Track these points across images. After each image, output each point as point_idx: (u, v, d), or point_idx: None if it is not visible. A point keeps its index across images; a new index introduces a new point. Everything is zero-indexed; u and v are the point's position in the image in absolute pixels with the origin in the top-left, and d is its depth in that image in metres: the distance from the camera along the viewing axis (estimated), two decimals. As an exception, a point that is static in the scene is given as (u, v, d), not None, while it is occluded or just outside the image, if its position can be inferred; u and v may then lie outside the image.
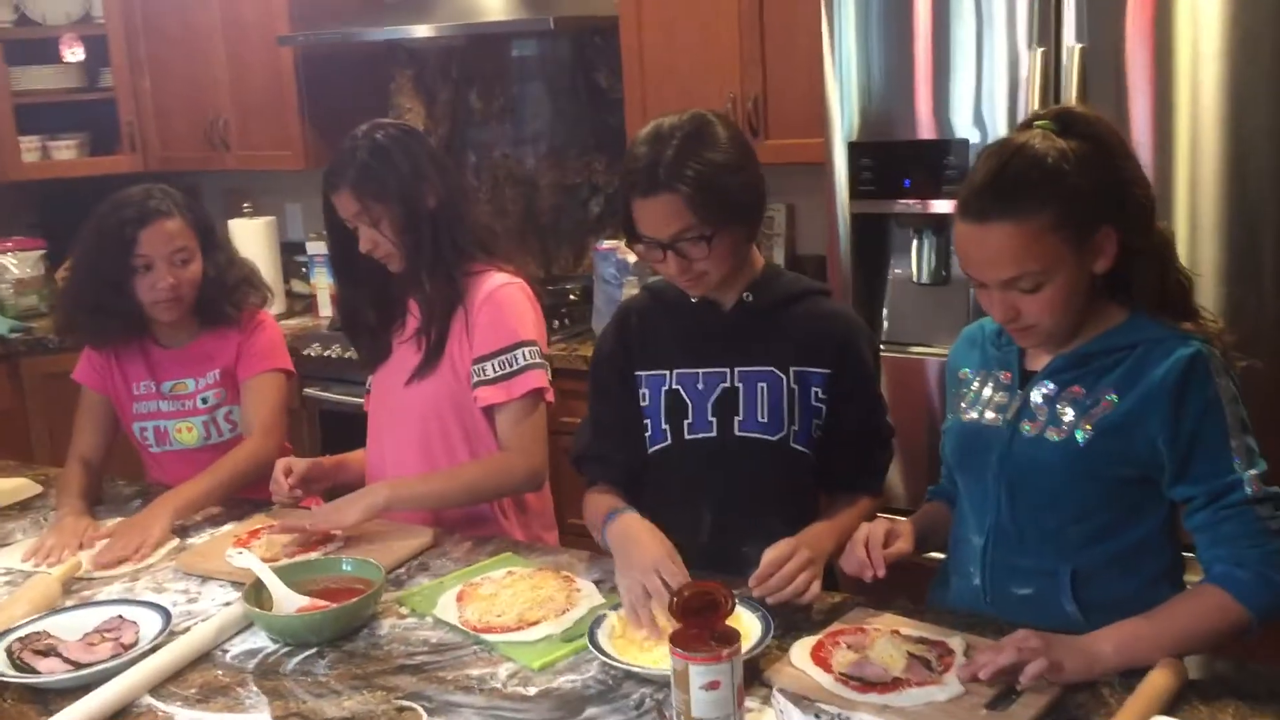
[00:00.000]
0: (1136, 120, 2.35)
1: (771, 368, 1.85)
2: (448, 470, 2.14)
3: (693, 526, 1.85)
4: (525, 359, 2.09)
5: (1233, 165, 2.30)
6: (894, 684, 1.46)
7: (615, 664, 1.54)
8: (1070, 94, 2.39)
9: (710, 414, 1.86)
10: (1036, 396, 1.63)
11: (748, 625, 1.59)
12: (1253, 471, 1.51)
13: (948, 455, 1.78)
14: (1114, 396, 1.57)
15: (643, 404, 1.91)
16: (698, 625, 1.40)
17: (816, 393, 1.85)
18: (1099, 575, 1.61)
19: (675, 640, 1.38)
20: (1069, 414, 1.59)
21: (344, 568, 1.84)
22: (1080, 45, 2.38)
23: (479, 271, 2.16)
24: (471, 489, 2.11)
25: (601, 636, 1.61)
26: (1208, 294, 2.32)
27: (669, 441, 1.89)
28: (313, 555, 1.94)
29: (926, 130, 2.61)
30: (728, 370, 1.86)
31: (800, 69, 3.04)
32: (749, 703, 1.44)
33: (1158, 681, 1.40)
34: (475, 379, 2.11)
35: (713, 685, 1.35)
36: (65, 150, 4.35)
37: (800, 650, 1.56)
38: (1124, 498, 1.59)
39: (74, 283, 2.33)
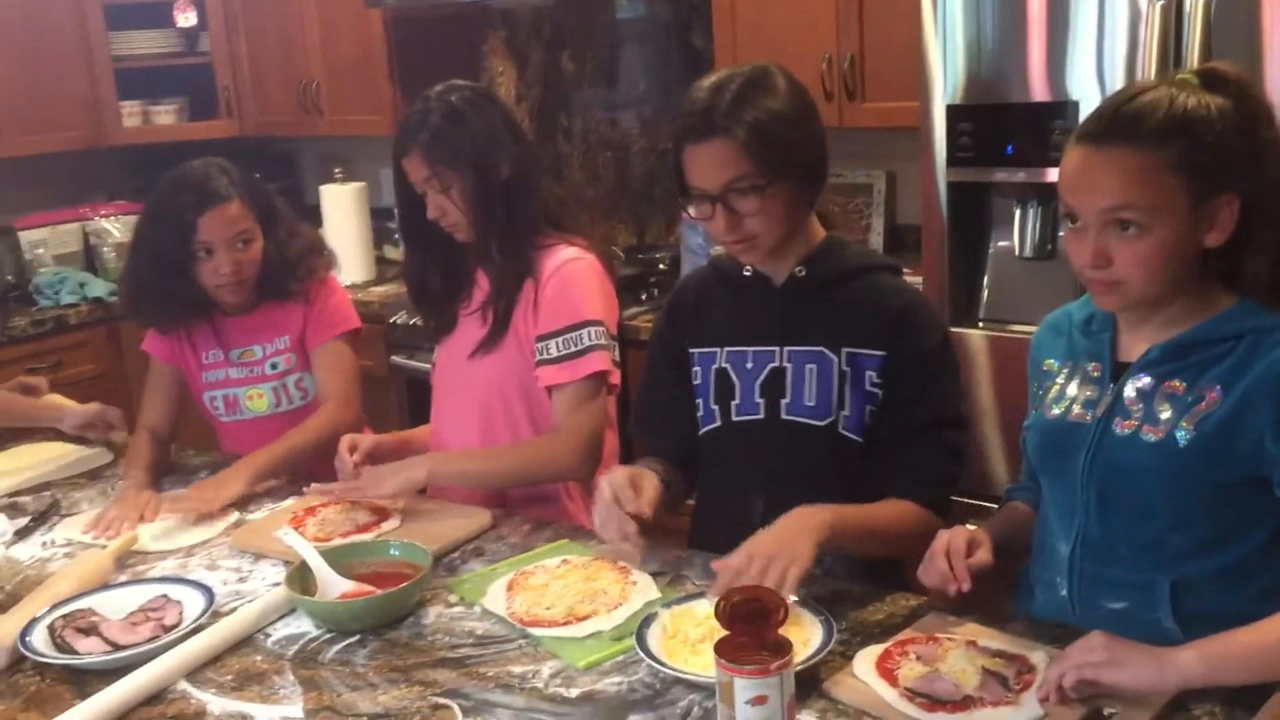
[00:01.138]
0: (1269, 82, 2.13)
1: (822, 348, 1.72)
2: (494, 449, 2.07)
3: (745, 510, 1.75)
4: (590, 339, 2.00)
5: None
6: (964, 703, 1.33)
7: (663, 669, 1.44)
8: (1193, 52, 2.18)
9: (758, 395, 1.76)
10: (1131, 391, 1.47)
11: (808, 630, 1.47)
12: None
13: (1031, 454, 1.63)
14: (1218, 391, 1.41)
15: (695, 382, 1.82)
16: (746, 633, 1.29)
17: (871, 376, 1.71)
18: (1201, 589, 1.45)
19: (721, 649, 1.27)
20: (1167, 411, 1.44)
21: (392, 552, 1.77)
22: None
23: (549, 245, 2.07)
24: (516, 472, 2.04)
25: (651, 637, 1.51)
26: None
27: (718, 423, 1.80)
28: (365, 537, 1.88)
29: (1034, 92, 2.42)
30: (777, 349, 1.75)
31: (900, 28, 2.86)
32: (802, 716, 1.33)
33: (1272, 713, 1.25)
34: (538, 357, 2.03)
35: (759, 700, 1.25)
36: (165, 115, 4.39)
37: (864, 660, 1.44)
38: (1229, 504, 1.43)
39: (135, 267, 2.29)
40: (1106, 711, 1.31)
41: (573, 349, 2.00)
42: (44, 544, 1.99)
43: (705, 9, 3.44)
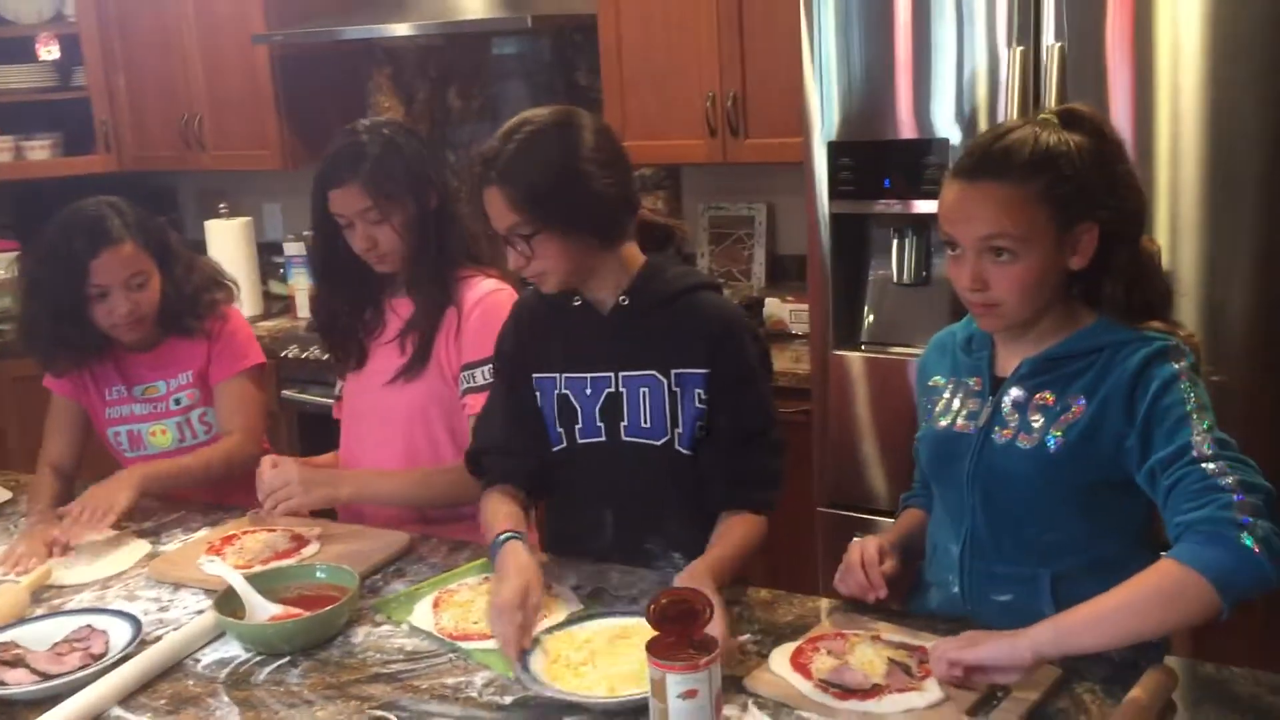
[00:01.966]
0: (1117, 120, 2.34)
1: (652, 371, 1.81)
2: (418, 473, 2.12)
3: (596, 525, 1.86)
4: None
5: (1213, 166, 2.29)
6: (874, 690, 1.45)
7: (545, 693, 1.48)
8: (1050, 93, 2.38)
9: (599, 419, 1.85)
10: (1007, 403, 1.62)
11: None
12: (1204, 436, 1.45)
13: (922, 463, 1.77)
14: (1083, 401, 1.56)
15: (540, 405, 1.90)
16: (675, 633, 1.38)
17: (699, 394, 1.81)
18: (1078, 581, 1.58)
19: (652, 649, 1.36)
20: (1039, 420, 1.58)
21: (318, 575, 1.81)
22: (1060, 44, 2.37)
23: (467, 276, 2.14)
24: (441, 498, 2.10)
25: (534, 663, 1.55)
26: (1187, 295, 2.32)
27: (565, 444, 1.88)
28: (287, 562, 1.92)
29: (907, 130, 2.59)
30: (611, 375, 1.84)
31: (780, 67, 3.02)
32: (727, 710, 1.42)
33: (1146, 688, 1.39)
34: (465, 385, 2.08)
35: (690, 694, 1.34)
36: (39, 150, 4.30)
37: (780, 656, 1.54)
38: (1098, 503, 1.58)
39: (29, 310, 2.26)
40: (999, 693, 1.43)
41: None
42: (-50, 581, 1.97)
43: (590, 48, 3.56)
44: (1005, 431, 1.61)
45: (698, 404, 1.81)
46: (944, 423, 1.69)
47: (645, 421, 1.82)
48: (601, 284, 1.84)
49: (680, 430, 1.81)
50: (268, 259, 4.26)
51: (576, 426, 1.86)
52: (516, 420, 1.91)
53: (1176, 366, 1.52)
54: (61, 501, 2.23)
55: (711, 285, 1.89)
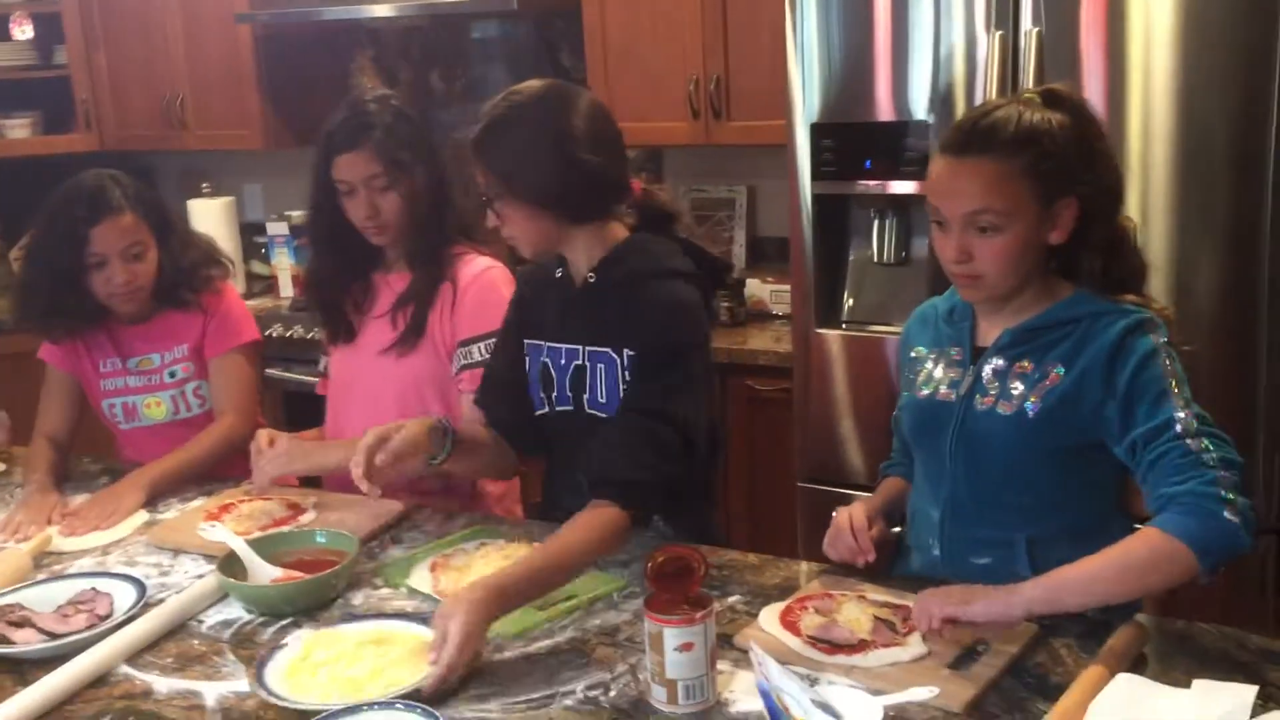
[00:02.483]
0: (1091, 103, 2.39)
1: (608, 348, 1.84)
2: None
3: (576, 489, 1.85)
4: None
5: (1184, 150, 2.36)
6: (860, 646, 1.51)
7: (283, 703, 1.43)
8: (1027, 78, 2.44)
9: (568, 389, 1.89)
10: (988, 371, 1.68)
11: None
12: (1182, 413, 1.52)
13: (905, 431, 1.82)
14: (1060, 369, 1.62)
15: (527, 369, 1.96)
16: (671, 590, 1.43)
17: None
18: (1054, 545, 1.65)
19: (651, 604, 1.41)
20: (1019, 387, 1.64)
21: (318, 539, 1.86)
22: (1037, 29, 2.43)
23: (461, 253, 2.18)
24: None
25: (279, 656, 1.52)
26: (1157, 277, 2.37)
27: (546, 409, 1.94)
28: (285, 529, 1.96)
29: (886, 113, 2.65)
30: (580, 348, 1.88)
31: (763, 51, 3.07)
32: (720, 664, 1.48)
33: (1121, 639, 1.46)
34: (462, 361, 2.12)
35: (686, 647, 1.39)
36: (18, 129, 4.29)
37: (769, 614, 1.60)
38: (1074, 468, 1.64)
39: (27, 278, 2.30)
40: (980, 648, 1.50)
41: None
42: (-48, 549, 2.00)
43: (574, 30, 3.59)
44: (986, 399, 1.67)
45: None
46: (926, 391, 1.75)
47: (602, 397, 1.86)
48: (577, 258, 1.88)
49: None
50: (250, 239, 4.28)
51: (553, 394, 1.92)
52: (506, 381, 1.98)
53: (1155, 340, 1.58)
54: (58, 471, 2.26)
55: (677, 273, 1.85)
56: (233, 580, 1.72)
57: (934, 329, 1.80)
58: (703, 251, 1.96)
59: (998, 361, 1.67)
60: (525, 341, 1.97)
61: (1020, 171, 1.58)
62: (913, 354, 1.82)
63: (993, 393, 1.67)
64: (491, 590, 1.54)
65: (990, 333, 1.71)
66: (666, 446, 1.76)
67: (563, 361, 1.90)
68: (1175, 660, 1.46)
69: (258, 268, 4.28)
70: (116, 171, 2.31)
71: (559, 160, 1.76)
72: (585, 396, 1.88)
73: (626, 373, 1.82)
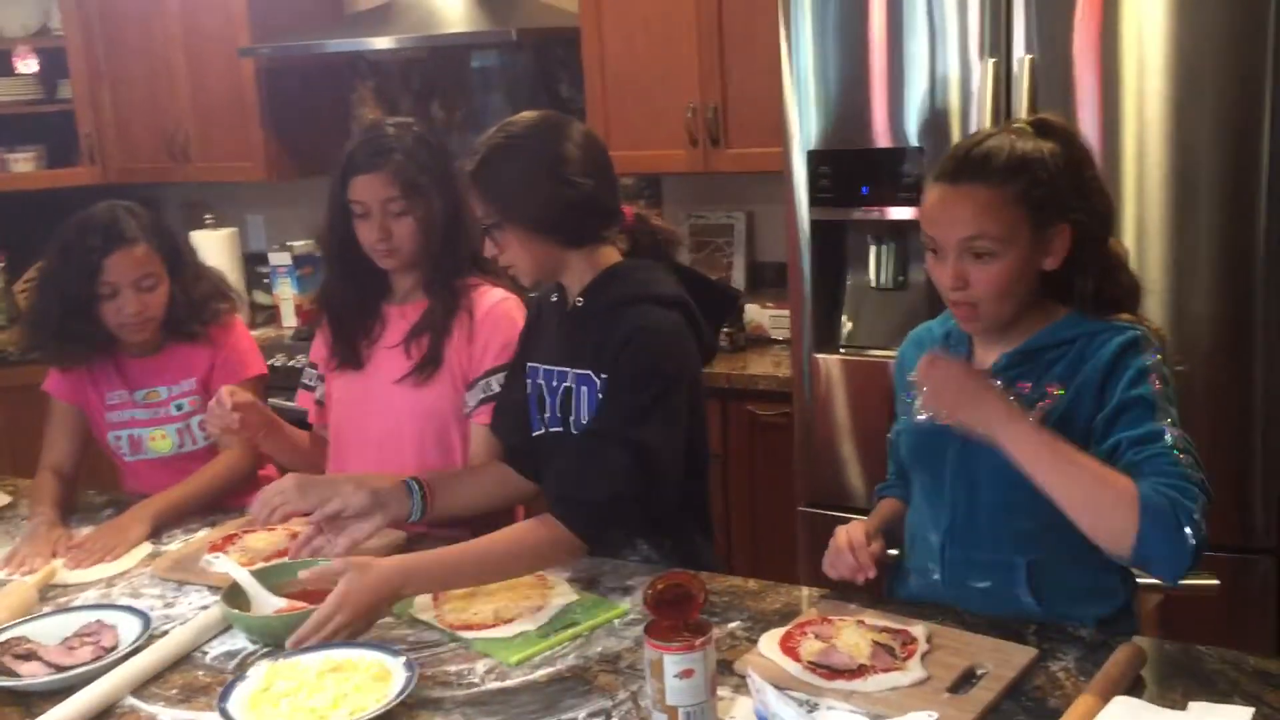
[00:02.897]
0: (1085, 128, 2.43)
1: (588, 371, 1.89)
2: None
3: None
4: None
5: (1177, 176, 2.39)
6: (859, 671, 1.52)
7: None
8: (1021, 104, 2.47)
9: (558, 410, 1.94)
10: None
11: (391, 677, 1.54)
12: (1176, 430, 1.55)
13: (903, 456, 1.84)
14: (1060, 390, 1.64)
15: (528, 391, 2.01)
16: (671, 616, 1.44)
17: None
18: (1053, 566, 1.67)
19: (650, 631, 1.43)
20: None
21: (298, 574, 1.86)
22: (1030, 57, 2.46)
23: (475, 284, 2.19)
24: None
25: (240, 687, 1.53)
26: (1152, 299, 2.40)
27: (541, 430, 1.99)
28: (288, 560, 1.96)
29: (882, 139, 2.68)
30: (568, 370, 1.93)
31: (760, 79, 3.10)
32: (720, 691, 1.49)
33: (1117, 663, 1.47)
34: (481, 395, 2.13)
35: (686, 673, 1.40)
36: (23, 162, 4.33)
37: (769, 640, 1.61)
38: None
39: (39, 305, 2.34)
40: (979, 672, 1.51)
41: None
42: (-43, 582, 2.01)
43: (572, 60, 3.63)
44: None
45: None
46: (924, 416, 1.76)
47: (584, 419, 1.89)
48: (570, 282, 1.93)
49: None
50: (252, 270, 4.31)
51: (545, 415, 1.97)
52: (514, 406, 2.04)
53: (1149, 360, 1.60)
54: (63, 504, 2.27)
55: (659, 298, 1.86)
56: (237, 611, 1.73)
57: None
58: (707, 280, 1.98)
59: (996, 384, 1.69)
60: (527, 364, 2.01)
61: (1014, 198, 1.60)
62: (910, 378, 1.83)
63: None
64: (395, 569, 1.66)
65: (986, 357, 1.73)
66: (620, 471, 1.76)
67: (554, 383, 1.95)
68: (1173, 683, 1.47)
69: (260, 298, 4.31)
70: (131, 203, 2.35)
71: (554, 185, 1.83)
72: (571, 418, 1.92)
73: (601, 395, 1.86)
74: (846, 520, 2.75)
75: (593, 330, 1.88)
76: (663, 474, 1.81)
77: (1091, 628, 1.62)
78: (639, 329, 1.83)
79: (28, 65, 4.30)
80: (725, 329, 3.38)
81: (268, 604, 1.78)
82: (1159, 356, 1.62)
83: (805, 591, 1.82)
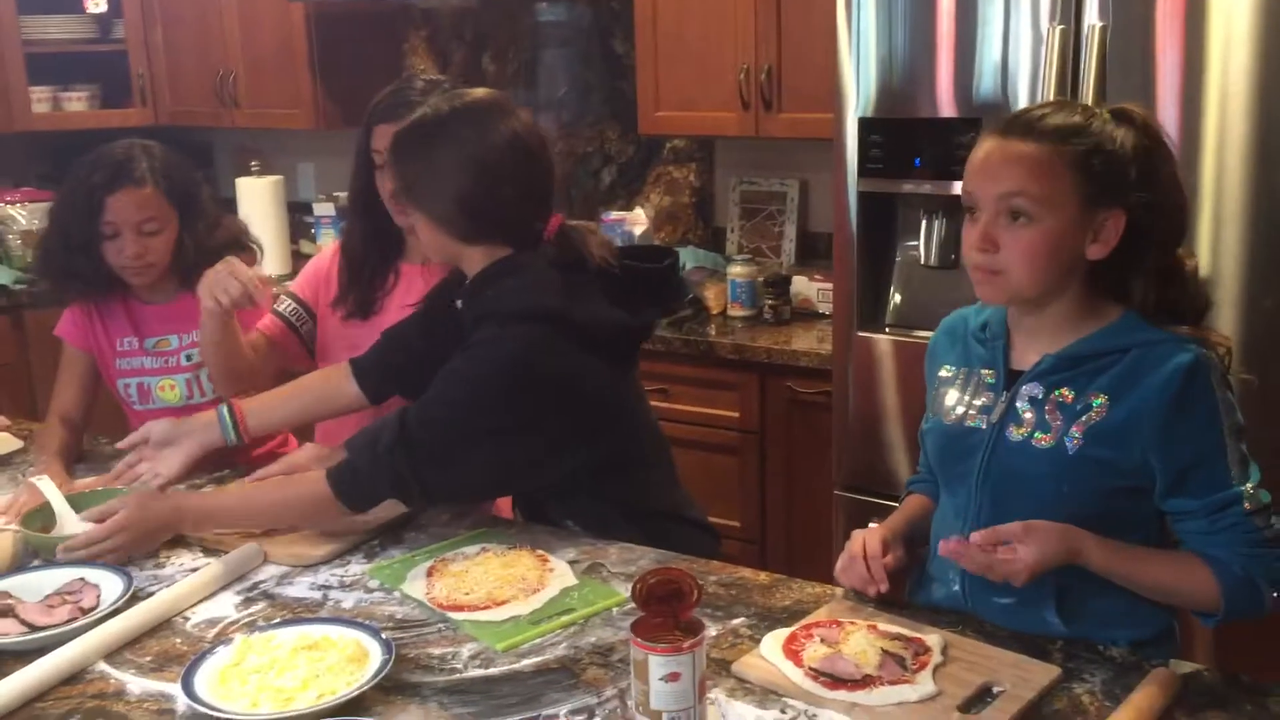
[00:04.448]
0: (1162, 104, 2.27)
1: None
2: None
3: (559, 495, 1.92)
4: None
5: (1261, 155, 2.21)
6: (864, 681, 1.40)
7: (210, 713, 1.37)
8: (1089, 74, 2.30)
9: None
10: (1023, 399, 1.55)
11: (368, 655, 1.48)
12: (1249, 485, 1.45)
13: (930, 456, 1.71)
14: (1105, 401, 1.49)
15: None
16: (661, 613, 1.34)
17: None
18: (1083, 587, 1.52)
19: (637, 629, 1.33)
20: (1058, 419, 1.51)
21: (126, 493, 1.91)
22: (1102, 24, 2.29)
23: None
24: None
25: (211, 659, 1.47)
26: (1228, 288, 2.25)
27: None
28: (101, 488, 2.01)
29: (935, 109, 2.53)
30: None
31: (816, 40, 2.97)
32: (712, 694, 1.39)
33: (1147, 692, 1.34)
34: None
35: (673, 677, 1.30)
36: (76, 101, 4.32)
37: (771, 642, 1.50)
38: (1112, 508, 1.51)
39: (46, 238, 2.31)
40: (996, 690, 1.39)
41: None
42: (-46, 529, 1.97)
43: (627, 14, 3.51)
44: (1020, 429, 1.54)
45: None
46: (954, 416, 1.62)
47: None
48: (469, 272, 1.85)
49: None
50: (298, 218, 4.26)
51: None
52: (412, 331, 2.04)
53: (1218, 391, 1.46)
54: (69, 452, 2.23)
55: (517, 315, 1.76)
56: (36, 533, 1.83)
57: (963, 345, 1.67)
58: (642, 253, 1.91)
59: (1035, 388, 1.54)
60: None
61: (1068, 162, 1.46)
62: (941, 372, 1.70)
63: (1028, 422, 1.54)
64: (170, 507, 1.83)
65: (1027, 355, 1.58)
66: (386, 445, 1.75)
67: None
68: (1206, 715, 1.34)
69: (305, 247, 4.27)
70: (152, 143, 2.27)
71: (461, 182, 1.76)
72: None
73: None
74: (885, 508, 2.67)
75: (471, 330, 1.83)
76: (433, 466, 1.75)
77: (1124, 648, 1.49)
78: (483, 346, 1.77)
79: (97, 4, 4.27)
80: (770, 301, 3.28)
81: (74, 526, 1.84)
82: (1227, 384, 1.47)
83: (820, 589, 1.71)
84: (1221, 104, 2.22)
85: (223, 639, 1.55)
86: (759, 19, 3.14)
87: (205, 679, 1.42)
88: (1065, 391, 1.52)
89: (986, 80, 2.47)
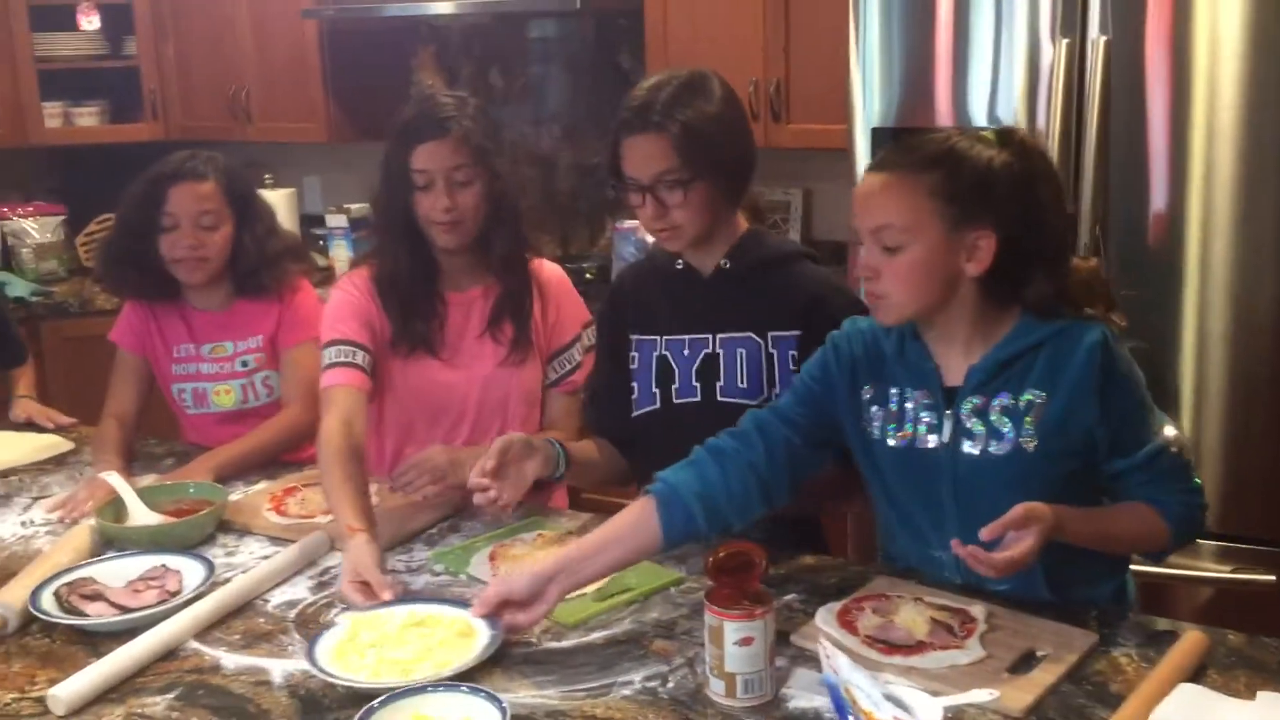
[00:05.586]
0: (1153, 114, 2.39)
1: (750, 333, 1.88)
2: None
3: None
4: (592, 338, 2.18)
5: (1249, 163, 2.33)
6: (918, 647, 1.51)
7: (333, 679, 1.46)
8: (1094, 86, 2.43)
9: (695, 379, 1.91)
10: (966, 411, 1.63)
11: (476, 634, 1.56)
12: (1168, 431, 1.62)
13: (885, 475, 1.72)
14: (1042, 394, 1.59)
15: (632, 367, 1.97)
16: (731, 585, 1.45)
17: (793, 356, 1.87)
18: (1067, 561, 1.62)
19: (711, 598, 1.43)
20: (1006, 424, 1.60)
21: (190, 491, 2.06)
22: (1105, 38, 2.42)
23: (529, 259, 2.19)
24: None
25: (327, 637, 1.55)
26: (1219, 289, 2.38)
27: (657, 405, 1.95)
28: (169, 483, 2.11)
29: (947, 119, 2.64)
30: (710, 336, 1.91)
31: (824, 54, 3.07)
32: (777, 661, 1.49)
33: (1183, 651, 1.45)
34: (570, 365, 2.18)
35: (746, 641, 1.41)
36: (87, 117, 4.38)
37: (826, 614, 1.60)
38: (1076, 488, 1.61)
39: (111, 232, 2.43)
40: (1039, 654, 1.50)
41: (589, 345, 2.18)
42: (23, 523, 2.05)
43: (635, 31, 3.61)
44: (974, 442, 1.62)
45: (792, 366, 1.86)
46: (904, 435, 1.67)
47: (741, 382, 1.88)
48: (711, 245, 1.89)
49: (777, 391, 1.86)
50: (308, 231, 4.33)
51: (674, 386, 1.93)
52: (611, 386, 2.02)
53: (1125, 355, 1.60)
54: (126, 452, 2.30)
55: (810, 255, 1.96)
56: (112, 523, 1.93)
57: (884, 366, 1.70)
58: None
59: (975, 400, 1.63)
60: (633, 338, 1.97)
61: (927, 189, 1.55)
62: (865, 395, 1.71)
63: (979, 435, 1.62)
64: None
65: (953, 371, 1.65)
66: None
67: (685, 352, 1.92)
68: (1236, 673, 1.45)
69: (318, 260, 4.33)
70: (214, 153, 2.38)
71: (741, 137, 1.87)
72: (719, 384, 1.89)
73: (794, 354, 1.85)
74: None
75: (751, 291, 1.87)
76: None
77: (1103, 607, 1.64)
78: (828, 287, 1.89)
79: (90, 22, 4.34)
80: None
81: (145, 517, 1.96)
82: (1128, 350, 1.62)
83: (861, 568, 1.81)
84: (1209, 114, 2.33)
85: (326, 623, 1.63)
86: (768, 33, 3.25)
87: (325, 655, 1.51)
88: (1004, 397, 1.61)
89: (983, 92, 2.57)
